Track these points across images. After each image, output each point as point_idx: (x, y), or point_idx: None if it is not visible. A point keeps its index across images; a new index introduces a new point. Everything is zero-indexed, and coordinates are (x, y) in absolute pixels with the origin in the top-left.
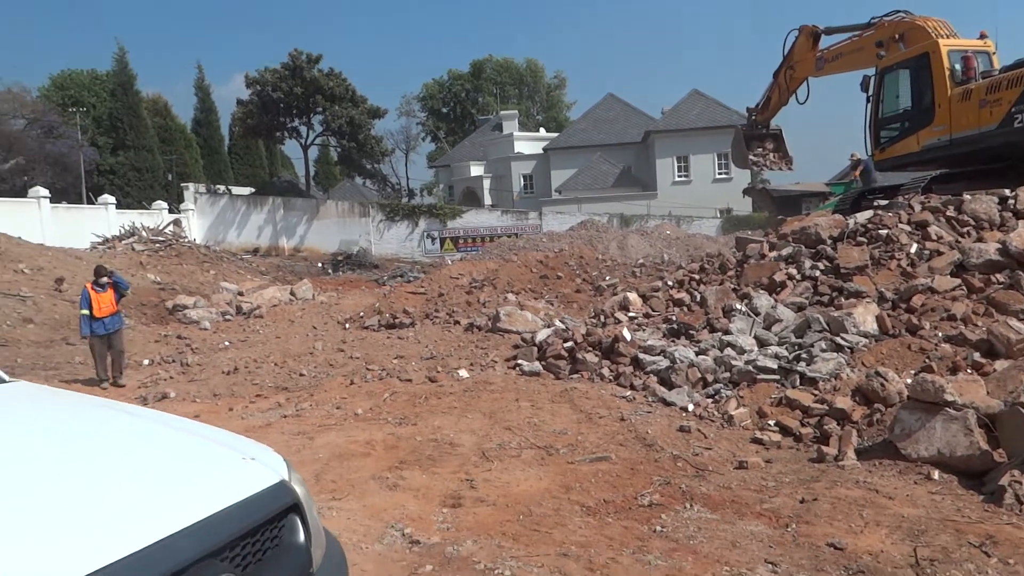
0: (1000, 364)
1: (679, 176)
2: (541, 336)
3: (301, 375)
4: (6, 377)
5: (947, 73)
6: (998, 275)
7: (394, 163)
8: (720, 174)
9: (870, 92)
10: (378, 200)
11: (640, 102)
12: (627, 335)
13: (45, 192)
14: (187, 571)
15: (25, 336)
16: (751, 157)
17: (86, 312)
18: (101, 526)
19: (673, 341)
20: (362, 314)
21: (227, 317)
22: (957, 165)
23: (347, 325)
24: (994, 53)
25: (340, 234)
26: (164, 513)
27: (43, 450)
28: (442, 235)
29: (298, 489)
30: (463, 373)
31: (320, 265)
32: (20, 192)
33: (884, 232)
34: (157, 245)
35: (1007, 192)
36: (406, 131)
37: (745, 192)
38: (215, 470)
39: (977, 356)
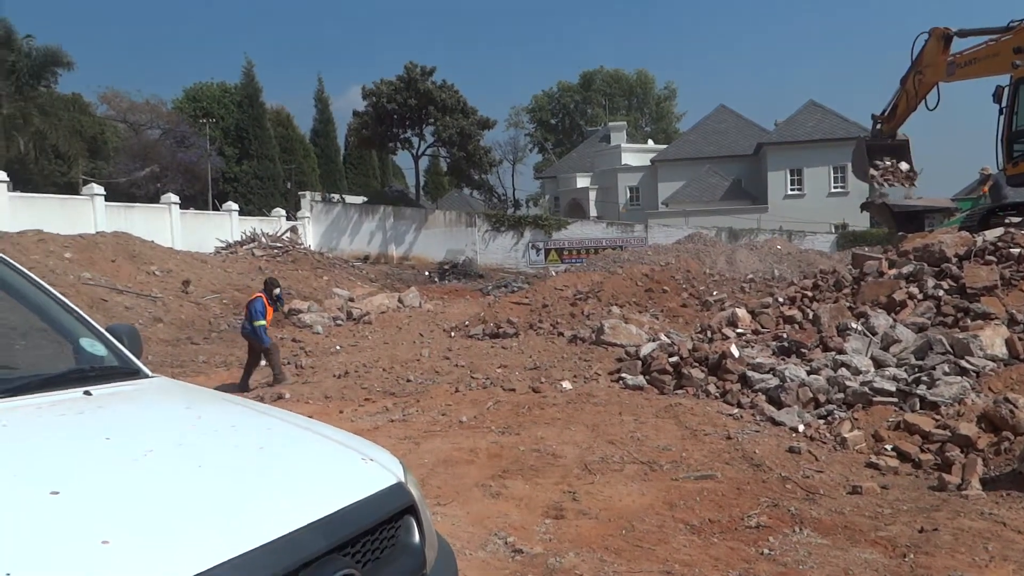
0: None
1: (792, 189)
2: (646, 350)
3: (408, 381)
4: (150, 373)
5: None
6: None
7: (501, 174)
8: (836, 188)
9: (1004, 103)
10: (484, 210)
11: (753, 114)
12: (735, 351)
13: (175, 199)
14: (312, 564)
15: (155, 334)
16: (872, 172)
17: (263, 323)
18: (236, 516)
19: (783, 359)
20: (467, 323)
21: (338, 322)
22: None
23: (452, 333)
24: None
25: (447, 243)
26: (293, 508)
27: (188, 441)
28: (547, 246)
29: (414, 492)
30: (566, 385)
31: (427, 274)
32: (154, 198)
33: (1016, 251)
34: (275, 251)
35: None
36: (514, 142)
37: (863, 207)
38: (339, 469)
39: None
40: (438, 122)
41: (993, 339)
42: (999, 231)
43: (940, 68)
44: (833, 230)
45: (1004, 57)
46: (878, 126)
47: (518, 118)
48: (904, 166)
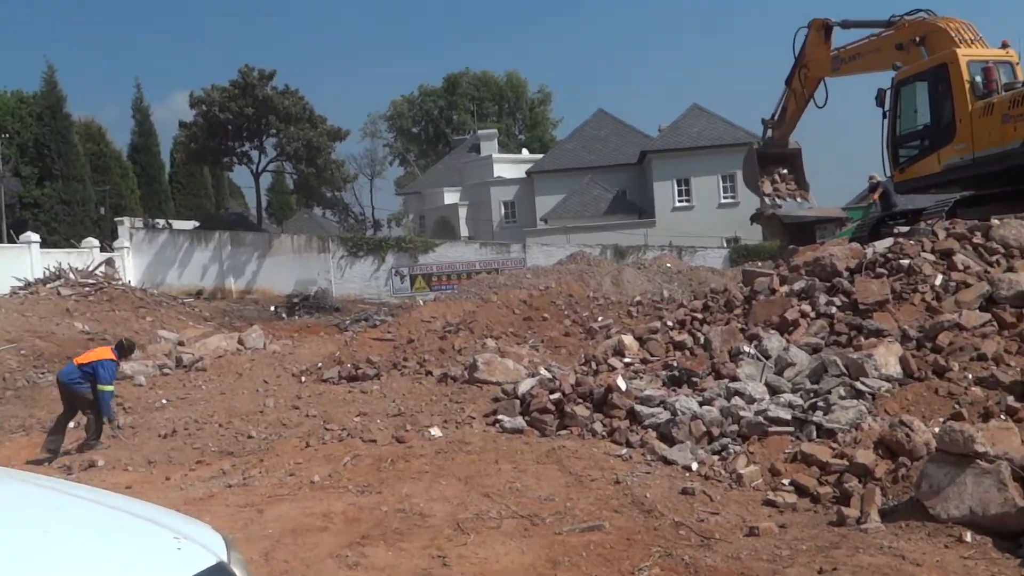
0: None
1: (680, 201)
2: (524, 387)
3: (249, 437)
4: None
5: (967, 85)
6: None
7: (357, 191)
8: (726, 198)
9: (886, 106)
10: (339, 233)
11: (634, 119)
12: (622, 384)
13: None
14: None
15: None
16: (762, 189)
17: (111, 389)
18: None
19: (674, 390)
20: (320, 365)
21: (165, 371)
22: (982, 186)
23: (303, 378)
24: (1018, 64)
25: (296, 272)
26: None
27: None
28: (412, 272)
29: (238, 572)
30: (435, 432)
31: (273, 309)
32: None
33: (906, 262)
34: (87, 289)
35: None
36: (371, 155)
37: (753, 219)
38: (145, 552)
39: (1011, 400)
40: (281, 133)
41: (887, 357)
42: (889, 242)
43: (824, 62)
44: (725, 244)
45: (886, 54)
46: (768, 132)
47: (375, 127)
48: (795, 180)
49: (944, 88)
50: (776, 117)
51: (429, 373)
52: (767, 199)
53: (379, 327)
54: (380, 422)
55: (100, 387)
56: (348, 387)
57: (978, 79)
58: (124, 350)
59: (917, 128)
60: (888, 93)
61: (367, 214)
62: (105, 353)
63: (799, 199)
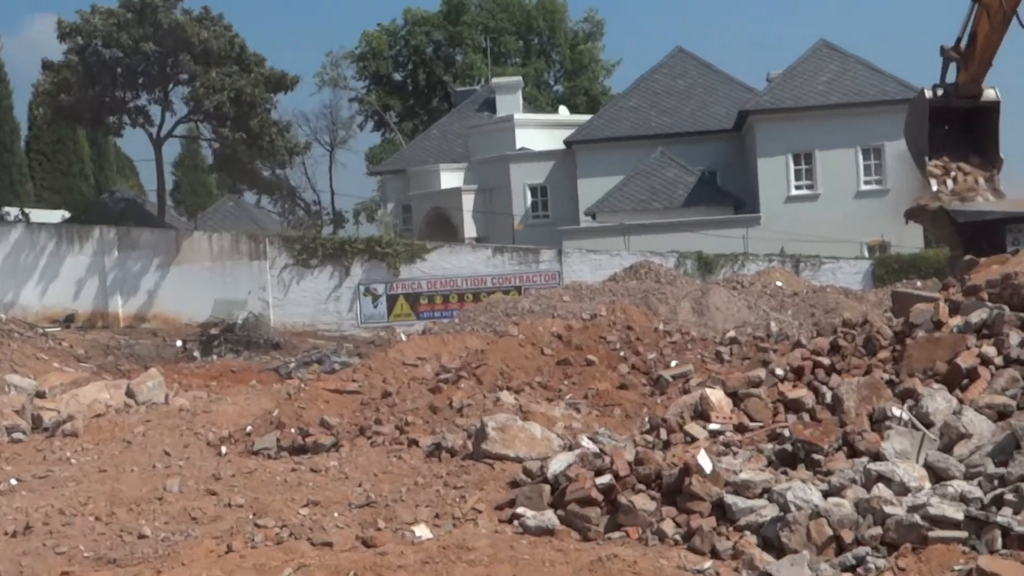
0: None
1: (798, 187)
2: (558, 466)
3: (141, 537)
4: None
5: None
6: None
7: (310, 168)
8: (868, 182)
9: None
10: (282, 231)
11: (731, 64)
12: (706, 464)
13: None
14: None
15: None
16: (930, 168)
17: None
18: None
19: (785, 473)
20: (250, 429)
21: (15, 436)
22: None
23: (224, 449)
24: None
25: (216, 289)
26: None
27: None
28: (391, 291)
29: None
30: (422, 532)
31: (180, 344)
32: None
33: None
34: None
35: None
36: (331, 113)
37: (910, 215)
38: None
39: None
40: (197, 80)
41: None
42: None
43: None
44: (866, 253)
45: None
46: (952, 71)
47: (337, 71)
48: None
49: None
50: (963, 46)
51: (414, 443)
52: (937, 183)
53: (339, 373)
54: (339, 516)
55: None
56: (292, 463)
57: None
58: None
59: None
60: None
61: (324, 203)
62: None
63: (983, 180)
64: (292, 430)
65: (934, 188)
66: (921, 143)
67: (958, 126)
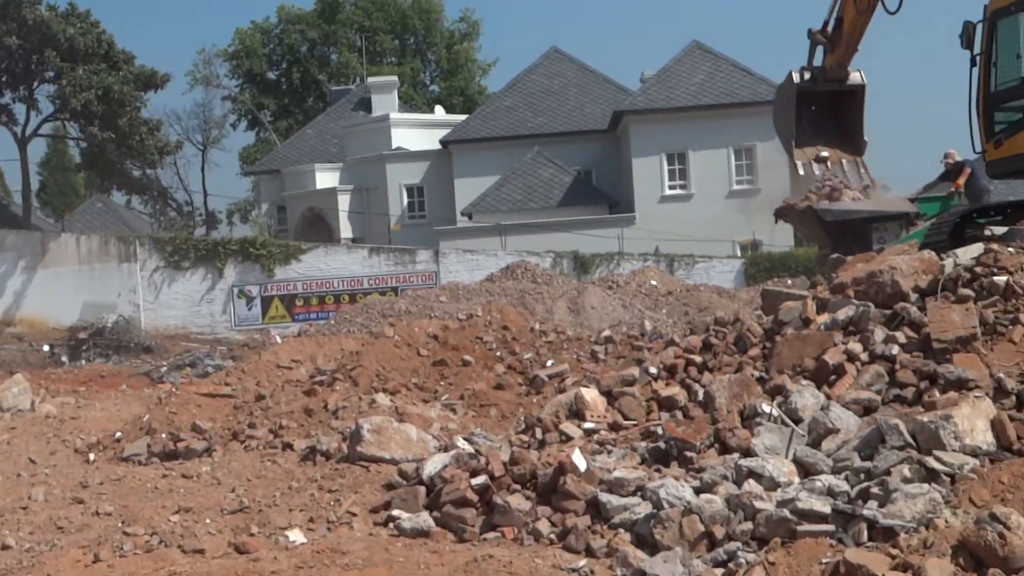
0: None
1: (672, 187)
2: (433, 467)
3: (5, 548)
4: None
5: None
6: None
7: (182, 168)
8: (740, 182)
9: (976, 49)
10: (153, 233)
11: (606, 64)
12: (581, 462)
13: None
14: None
15: None
16: (799, 156)
17: None
18: None
19: (659, 471)
20: (119, 436)
21: None
22: None
23: (92, 455)
24: None
25: (84, 292)
26: None
27: None
28: (265, 292)
29: None
30: (296, 536)
31: (47, 348)
32: None
33: (1002, 280)
34: None
35: None
36: (204, 112)
37: (779, 214)
38: None
39: None
40: (64, 77)
41: (973, 420)
42: (978, 249)
43: None
44: (738, 252)
45: None
46: (818, 54)
47: (210, 70)
48: (847, 140)
49: None
50: (829, 30)
51: (288, 447)
52: (803, 167)
53: (212, 377)
54: (211, 522)
55: None
56: (163, 469)
57: None
58: None
59: (1021, 81)
60: (979, 28)
61: (196, 203)
62: None
63: (846, 167)
64: (163, 435)
65: (800, 172)
66: (788, 126)
67: (824, 110)
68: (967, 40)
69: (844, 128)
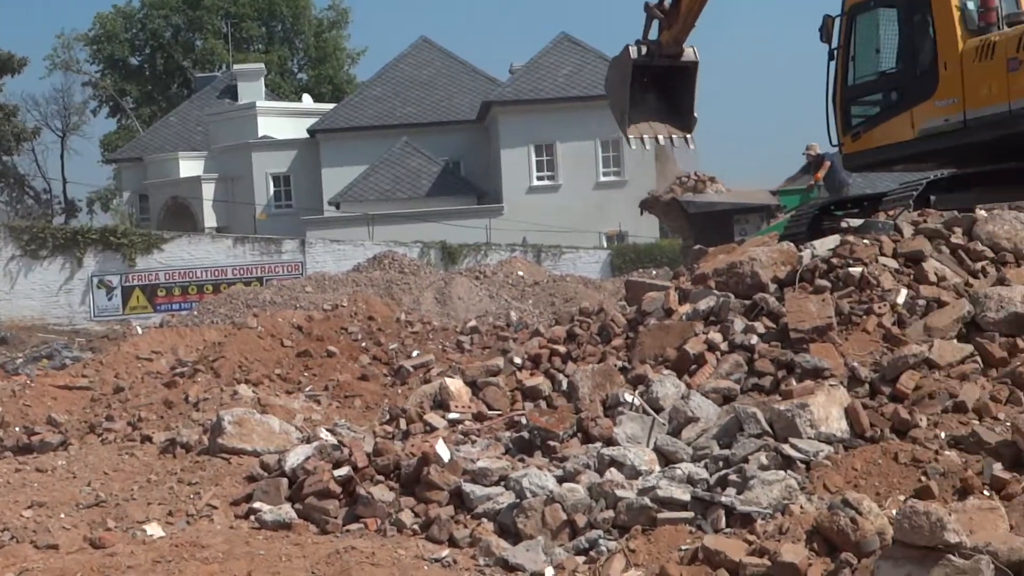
0: None
1: (539, 177)
2: (296, 459)
3: None
4: None
5: (956, 14)
6: None
7: (40, 155)
8: (607, 173)
9: (835, 42)
10: (9, 221)
11: (474, 55)
12: (444, 453)
13: None
14: None
15: None
16: (632, 130)
17: None
18: None
19: (522, 460)
20: None
21: None
22: (970, 161)
23: None
24: None
25: None
26: None
27: None
28: (126, 283)
29: None
30: (154, 530)
31: None
32: None
33: (857, 271)
34: None
35: None
36: (63, 98)
37: (644, 206)
38: None
39: (998, 468)
40: None
41: (828, 409)
42: (834, 241)
43: None
44: (604, 243)
45: None
46: (655, 29)
47: (69, 54)
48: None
49: (922, 17)
50: (668, 4)
51: (147, 439)
52: (636, 142)
53: (69, 368)
54: (66, 517)
55: None
56: (15, 463)
57: (970, 5)
58: None
59: (879, 75)
60: (837, 22)
61: (55, 191)
62: None
63: (675, 141)
64: (16, 429)
65: (632, 147)
66: (623, 100)
67: (658, 86)
68: (826, 34)
69: (676, 104)
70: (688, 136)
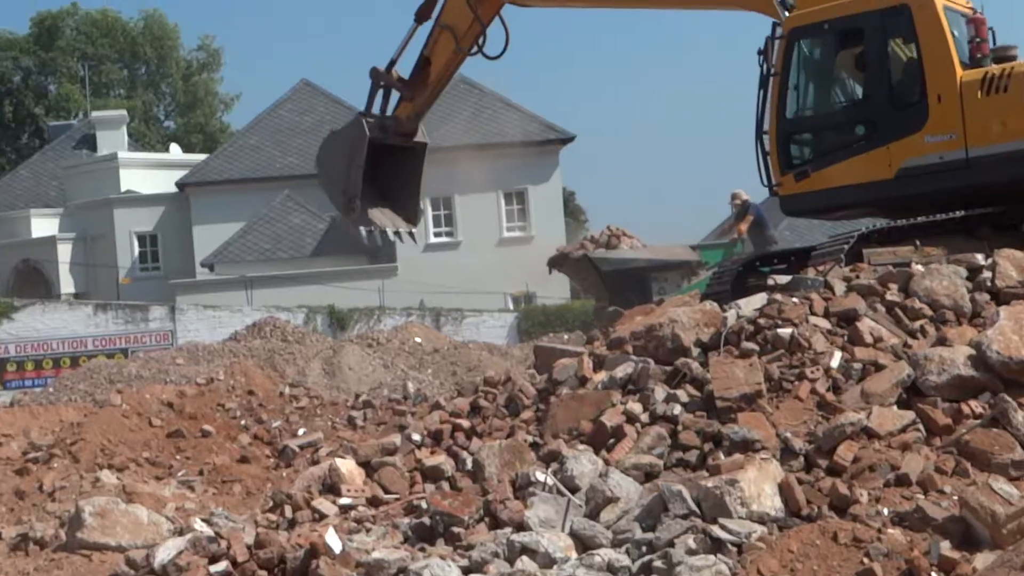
0: (982, 558)
1: (437, 234)
2: (166, 554)
3: None
4: None
5: (952, 44)
6: (973, 403)
7: None
8: (512, 228)
9: (769, 68)
10: None
11: (361, 98)
12: (335, 543)
13: None
14: None
15: None
16: (362, 206)
17: None
18: None
19: (423, 549)
20: None
21: None
22: (958, 206)
23: None
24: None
25: None
26: None
27: None
28: None
29: None
30: None
31: None
32: None
33: (787, 332)
34: None
35: (980, 259)
36: None
37: (553, 263)
38: None
39: (946, 547)
40: None
41: (760, 485)
42: (761, 299)
43: None
44: (510, 304)
45: None
46: (395, 100)
47: None
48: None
49: (902, 44)
50: (411, 71)
51: None
52: (356, 224)
53: None
54: None
55: None
56: None
57: (956, 34)
58: None
59: (835, 107)
60: (775, 47)
61: None
62: None
63: (400, 236)
64: None
65: (365, 240)
66: (352, 182)
67: (388, 167)
68: (765, 57)
69: (400, 190)
70: (412, 231)
